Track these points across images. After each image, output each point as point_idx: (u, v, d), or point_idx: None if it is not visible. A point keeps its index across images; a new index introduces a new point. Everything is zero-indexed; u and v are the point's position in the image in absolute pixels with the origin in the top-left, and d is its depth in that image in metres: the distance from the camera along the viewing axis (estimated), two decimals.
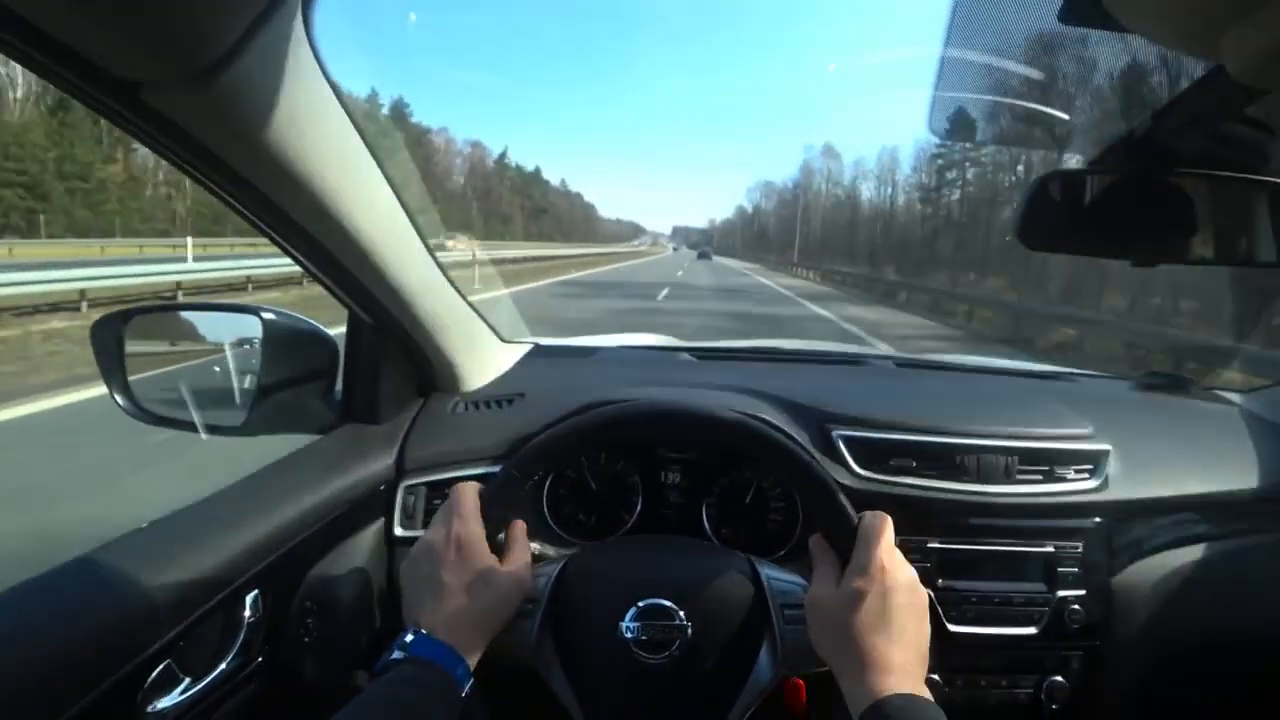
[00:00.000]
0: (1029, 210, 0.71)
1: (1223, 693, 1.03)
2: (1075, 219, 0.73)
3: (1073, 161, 0.78)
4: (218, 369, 0.96)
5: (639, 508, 0.97)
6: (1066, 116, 0.82)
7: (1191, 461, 1.00)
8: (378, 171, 0.74)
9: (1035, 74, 0.74)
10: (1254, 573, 0.96)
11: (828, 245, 76.00)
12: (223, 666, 0.71)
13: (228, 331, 0.96)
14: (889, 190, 69.97)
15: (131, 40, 0.46)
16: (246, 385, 0.92)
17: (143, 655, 0.60)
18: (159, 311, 0.99)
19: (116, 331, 0.90)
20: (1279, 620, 0.95)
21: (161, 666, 0.64)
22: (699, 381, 1.07)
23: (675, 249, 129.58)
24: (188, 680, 0.67)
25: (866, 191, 76.78)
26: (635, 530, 0.96)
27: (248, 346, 0.94)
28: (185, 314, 1.01)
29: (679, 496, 0.97)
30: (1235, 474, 1.00)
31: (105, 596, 0.60)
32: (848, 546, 0.64)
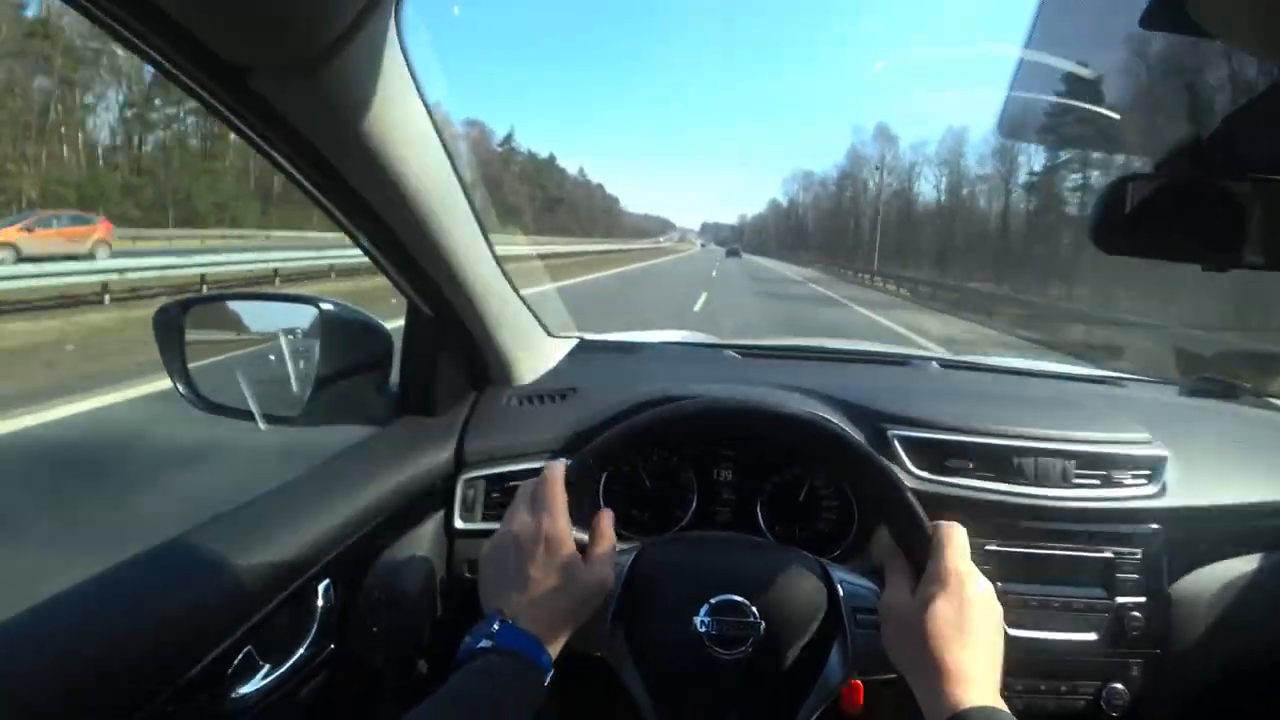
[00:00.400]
0: (1104, 213, 0.70)
1: None
2: (1150, 223, 0.72)
3: (1142, 165, 0.78)
4: (274, 359, 0.97)
5: (694, 504, 0.97)
6: (1139, 120, 0.82)
7: (1249, 469, 1.00)
8: (451, 168, 0.75)
9: (1111, 78, 0.74)
10: None
11: (894, 245, 59.38)
12: (299, 653, 0.71)
13: (285, 321, 0.97)
14: (971, 179, 55.00)
15: (248, 26, 0.47)
16: (303, 375, 0.93)
17: (228, 641, 0.61)
18: (218, 300, 1.00)
19: (177, 320, 0.91)
20: None
21: (243, 654, 0.64)
22: (749, 379, 1.07)
23: (703, 245, 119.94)
24: (267, 667, 0.68)
25: (930, 180, 63.21)
26: (690, 527, 0.96)
27: (304, 337, 0.94)
28: (244, 303, 1.01)
29: (732, 494, 0.97)
30: None
31: (185, 586, 0.61)
32: (922, 553, 0.64)
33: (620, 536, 0.93)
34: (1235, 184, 0.72)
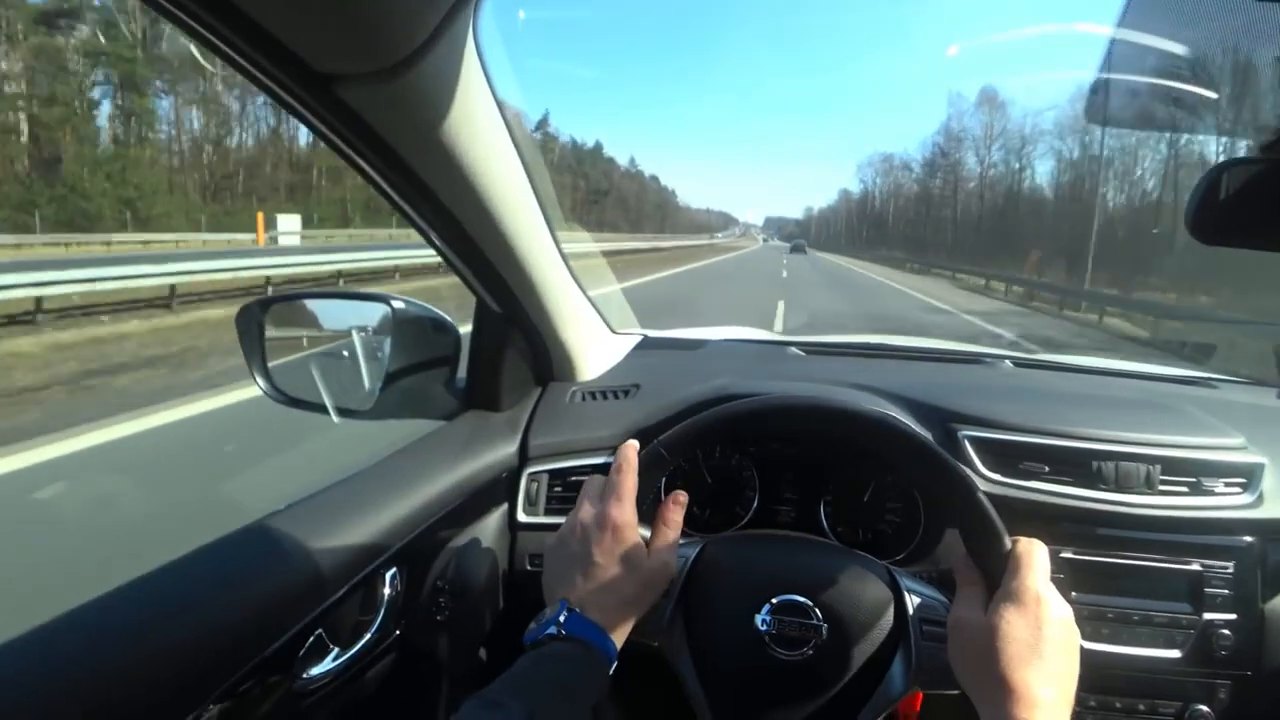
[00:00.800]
0: (1204, 201, 0.66)
1: None
2: (1250, 210, 0.67)
3: (1243, 150, 0.72)
4: (346, 354, 1.00)
5: (755, 503, 0.96)
6: (1239, 102, 0.76)
7: None
8: (523, 169, 0.77)
9: (1208, 57, 0.69)
10: None
11: (1005, 238, 46.72)
12: (366, 638, 0.74)
13: (357, 319, 1.01)
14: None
15: (335, 34, 0.49)
16: (374, 371, 0.96)
17: (298, 625, 0.63)
18: (295, 299, 1.05)
19: (257, 318, 0.96)
20: None
21: (314, 637, 0.67)
22: (814, 376, 1.05)
23: (765, 240, 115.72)
24: (335, 650, 0.70)
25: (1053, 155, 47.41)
26: (750, 526, 0.95)
27: (375, 334, 0.98)
28: (320, 301, 1.06)
29: (794, 493, 0.96)
30: None
31: (261, 570, 0.64)
32: (999, 569, 0.62)
33: (681, 533, 0.93)
34: None
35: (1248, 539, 0.86)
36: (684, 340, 1.34)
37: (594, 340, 1.09)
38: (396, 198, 0.70)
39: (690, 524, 0.95)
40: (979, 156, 59.25)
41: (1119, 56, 0.62)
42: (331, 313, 1.04)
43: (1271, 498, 0.88)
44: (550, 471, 0.93)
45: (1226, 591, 0.85)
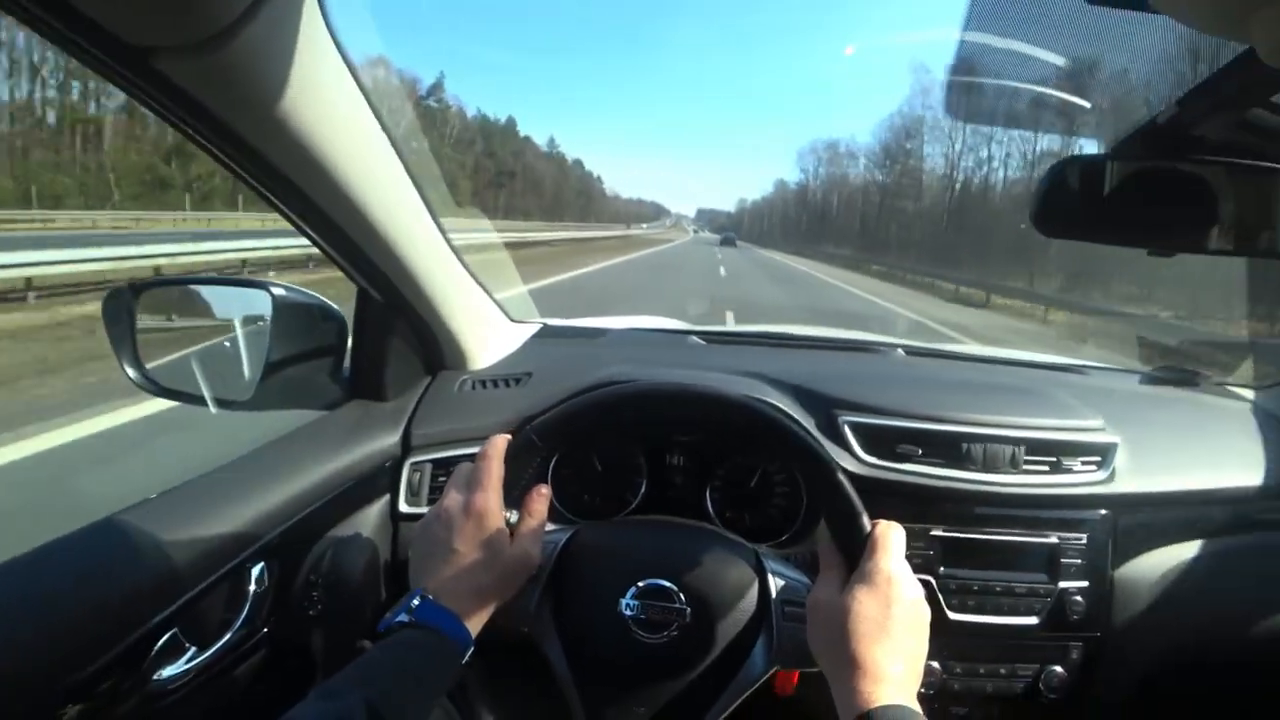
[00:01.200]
0: (1046, 197, 0.70)
1: (1222, 687, 1.03)
2: (1093, 207, 0.71)
3: (1091, 148, 0.76)
4: (227, 344, 0.96)
5: (643, 489, 0.97)
6: (1087, 104, 0.80)
7: (1200, 457, 1.00)
8: (389, 145, 0.74)
9: (1057, 59, 0.72)
10: (1258, 568, 0.96)
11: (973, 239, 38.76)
12: (228, 636, 0.72)
13: (238, 306, 0.97)
14: None
15: (143, 5, 0.46)
16: (255, 360, 0.93)
17: (149, 624, 0.61)
18: (169, 285, 1.00)
19: (127, 304, 0.91)
20: (1277, 615, 0.94)
21: (168, 635, 0.65)
22: (708, 365, 1.07)
23: (696, 232, 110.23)
24: (193, 649, 0.68)
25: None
26: (639, 512, 0.96)
27: (258, 322, 0.94)
28: (196, 288, 1.01)
29: (683, 479, 0.97)
30: (1244, 470, 0.99)
31: (113, 565, 0.61)
32: (857, 553, 0.64)
33: (566, 520, 0.94)
34: (1185, 167, 0.71)
35: (1101, 512, 0.93)
36: (584, 329, 1.34)
37: (488, 328, 1.08)
38: (249, 179, 0.66)
39: (579, 510, 0.95)
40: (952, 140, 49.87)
41: (968, 57, 0.65)
42: (209, 299, 0.99)
43: (1123, 474, 0.94)
44: (434, 461, 0.92)
45: (1080, 561, 0.91)
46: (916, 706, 0.56)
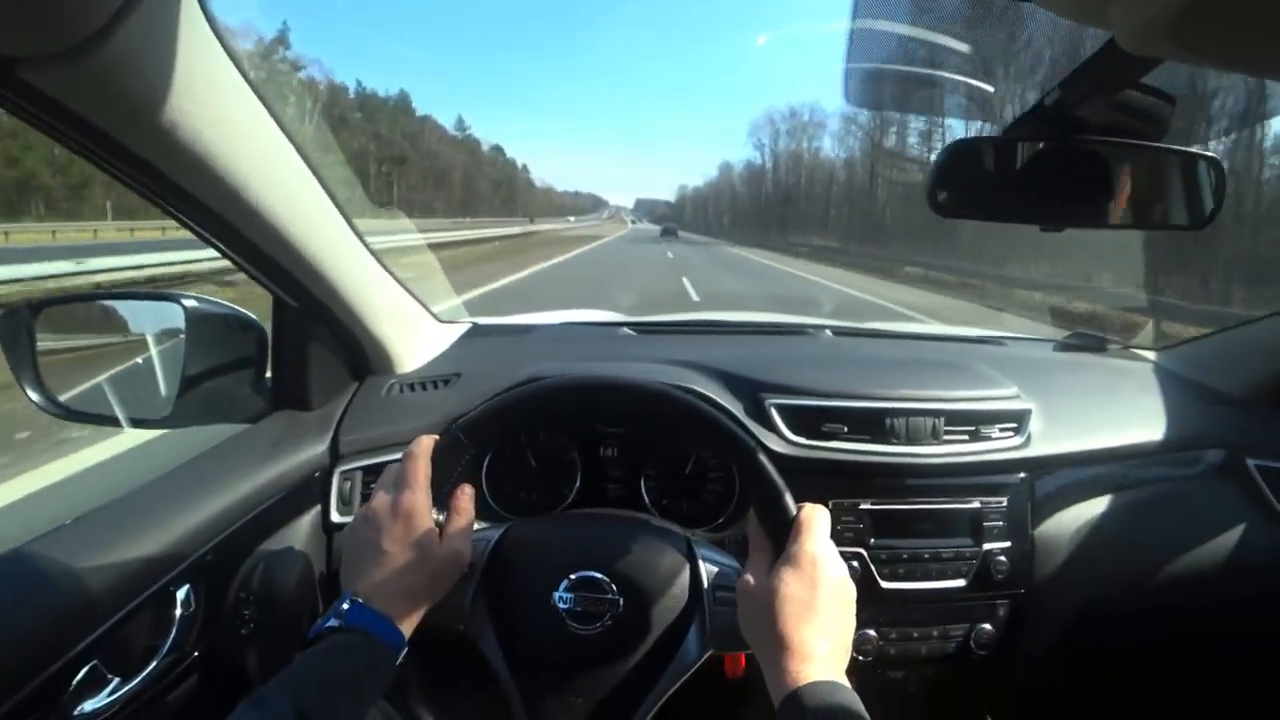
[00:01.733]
0: (940, 178, 0.73)
1: (1136, 630, 1.10)
2: (985, 186, 0.75)
3: (987, 130, 0.80)
4: (140, 360, 0.93)
5: (578, 483, 0.98)
6: (987, 87, 0.83)
7: (1108, 417, 1.06)
8: (288, 144, 0.71)
9: (949, 44, 0.75)
10: (1162, 518, 1.03)
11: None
12: (154, 664, 0.69)
13: (148, 321, 0.93)
14: None
15: (1, 13, 0.44)
16: (171, 375, 0.90)
17: (66, 657, 0.59)
18: (72, 302, 0.95)
19: (26, 324, 0.87)
20: (1185, 559, 1.02)
21: (88, 668, 0.62)
22: (640, 356, 1.08)
23: (633, 222, 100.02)
24: (116, 680, 0.66)
25: None
26: (575, 506, 0.97)
27: (172, 337, 0.91)
28: (102, 303, 0.97)
29: (618, 471, 0.99)
30: (1147, 426, 1.06)
31: (24, 598, 0.58)
32: (784, 536, 0.66)
33: (501, 518, 0.94)
34: (1070, 146, 0.75)
35: (1019, 476, 0.98)
36: (513, 326, 1.34)
37: (414, 330, 1.06)
38: (142, 189, 0.63)
39: (516, 508, 0.96)
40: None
41: (861, 45, 0.67)
42: (117, 315, 0.95)
43: (1038, 438, 0.99)
44: (364, 468, 0.90)
45: (1001, 523, 0.96)
46: (845, 682, 0.58)
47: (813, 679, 0.57)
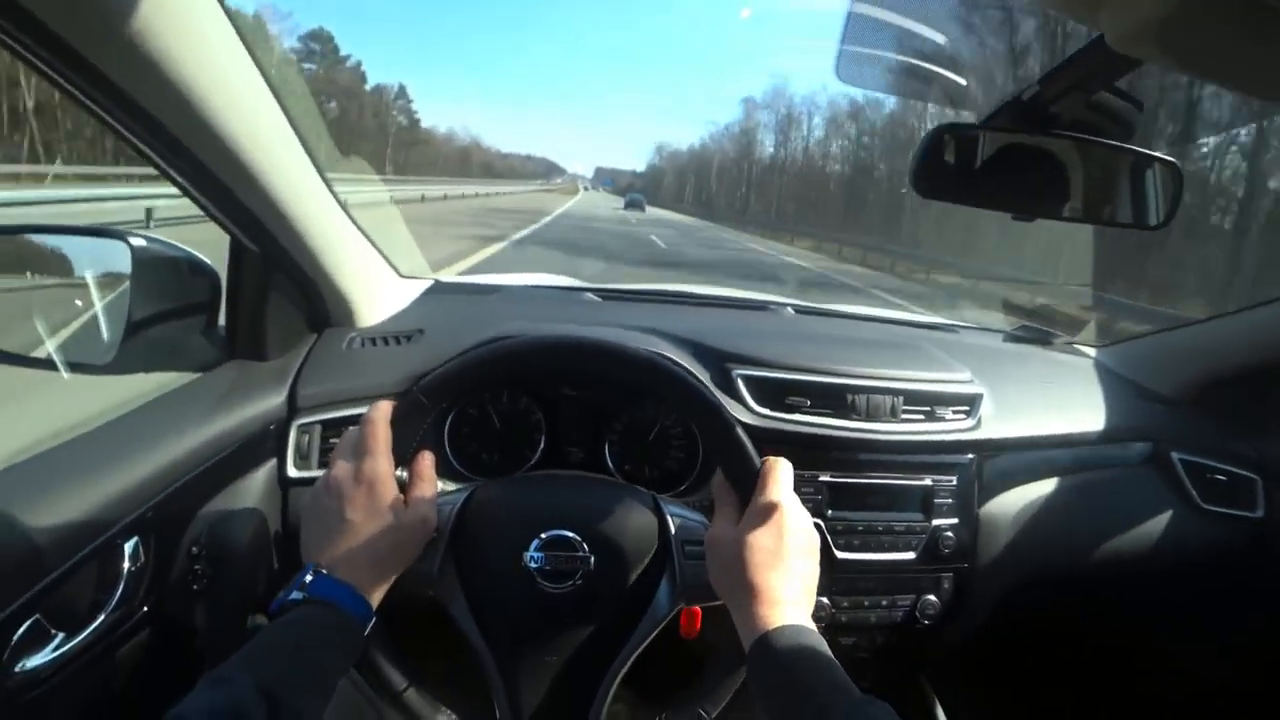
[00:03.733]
0: (924, 160, 0.74)
1: (1067, 603, 1.18)
2: (965, 172, 0.77)
3: (969, 118, 0.82)
4: (79, 302, 0.87)
5: (542, 445, 0.97)
6: (962, 80, 0.86)
7: (1050, 406, 1.12)
8: (264, 85, 0.68)
9: (938, 34, 0.76)
10: (1096, 501, 1.10)
11: None
12: (101, 619, 0.66)
13: (89, 260, 0.87)
14: None
15: None
16: (115, 319, 0.84)
17: (5, 612, 0.55)
18: (4, 234, 0.88)
19: None
20: (1113, 541, 1.09)
21: (29, 623, 0.59)
22: (603, 320, 1.07)
23: (586, 189, 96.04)
24: (61, 635, 0.63)
25: None
26: (538, 468, 0.96)
27: (115, 277, 0.85)
28: (36, 238, 0.90)
29: (582, 434, 0.99)
30: (1085, 417, 1.12)
31: None
32: (749, 489, 0.67)
33: (465, 478, 0.93)
34: (1044, 141, 0.78)
35: (969, 456, 1.02)
36: (477, 285, 1.31)
37: (376, 284, 1.03)
38: (104, 114, 0.59)
39: (479, 469, 0.95)
40: None
41: (857, 29, 0.67)
42: (55, 251, 0.88)
43: (988, 421, 1.04)
44: (323, 422, 0.87)
45: (950, 501, 1.00)
46: (812, 625, 0.60)
47: (782, 622, 0.59)
